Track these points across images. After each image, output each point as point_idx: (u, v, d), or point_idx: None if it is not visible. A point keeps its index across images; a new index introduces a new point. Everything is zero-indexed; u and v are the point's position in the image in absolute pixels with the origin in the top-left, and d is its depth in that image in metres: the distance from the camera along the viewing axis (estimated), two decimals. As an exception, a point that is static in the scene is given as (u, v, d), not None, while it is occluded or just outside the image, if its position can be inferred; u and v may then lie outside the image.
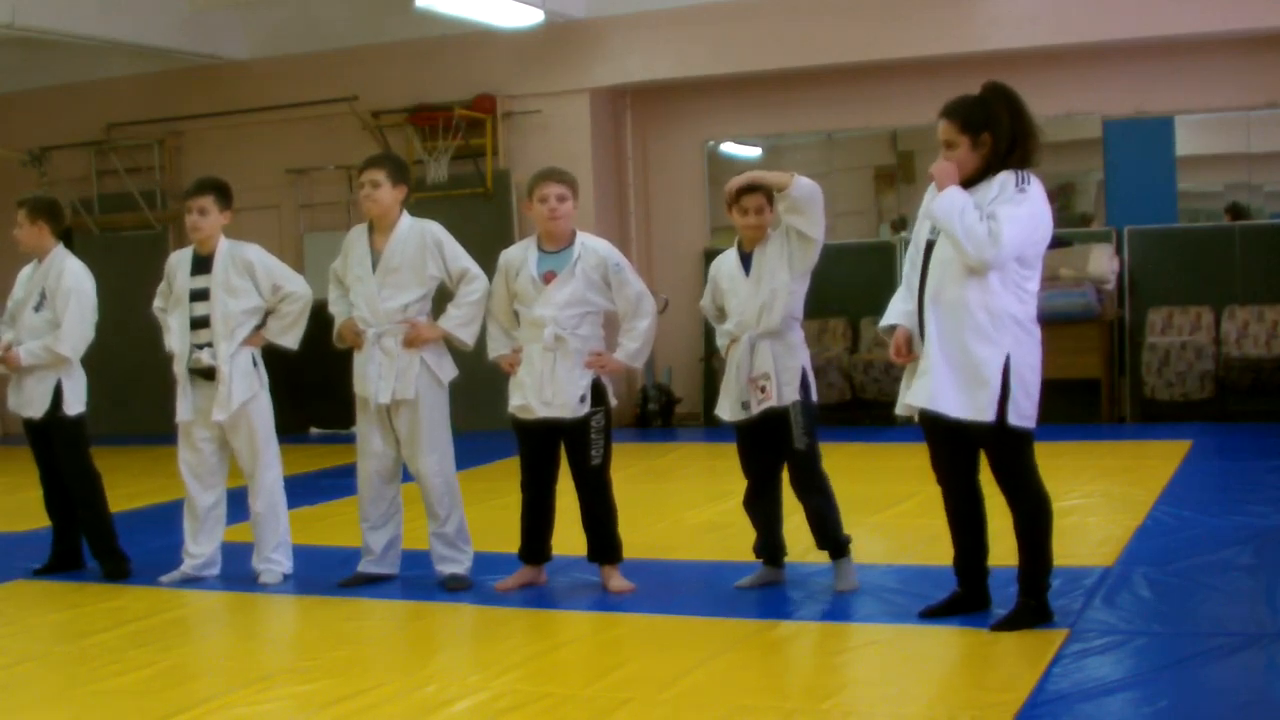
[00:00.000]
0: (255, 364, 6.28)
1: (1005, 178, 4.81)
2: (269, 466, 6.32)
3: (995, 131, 4.82)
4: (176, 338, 6.35)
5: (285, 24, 13.12)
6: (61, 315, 6.49)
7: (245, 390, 6.22)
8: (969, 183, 4.87)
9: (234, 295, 6.22)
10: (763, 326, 5.59)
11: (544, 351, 5.75)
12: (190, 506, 6.41)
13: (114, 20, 11.78)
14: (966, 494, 5.07)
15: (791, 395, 5.55)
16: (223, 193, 6.34)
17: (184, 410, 6.35)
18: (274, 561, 6.30)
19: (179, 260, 6.42)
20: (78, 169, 13.97)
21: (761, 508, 5.77)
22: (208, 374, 6.24)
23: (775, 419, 5.59)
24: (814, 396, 5.64)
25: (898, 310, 5.11)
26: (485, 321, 6.06)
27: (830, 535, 5.68)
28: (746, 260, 5.67)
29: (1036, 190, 4.82)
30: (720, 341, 5.81)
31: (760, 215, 5.61)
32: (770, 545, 5.80)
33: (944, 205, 4.78)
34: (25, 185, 13.23)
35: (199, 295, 6.27)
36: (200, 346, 6.25)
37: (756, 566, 5.85)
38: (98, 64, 13.51)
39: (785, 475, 5.74)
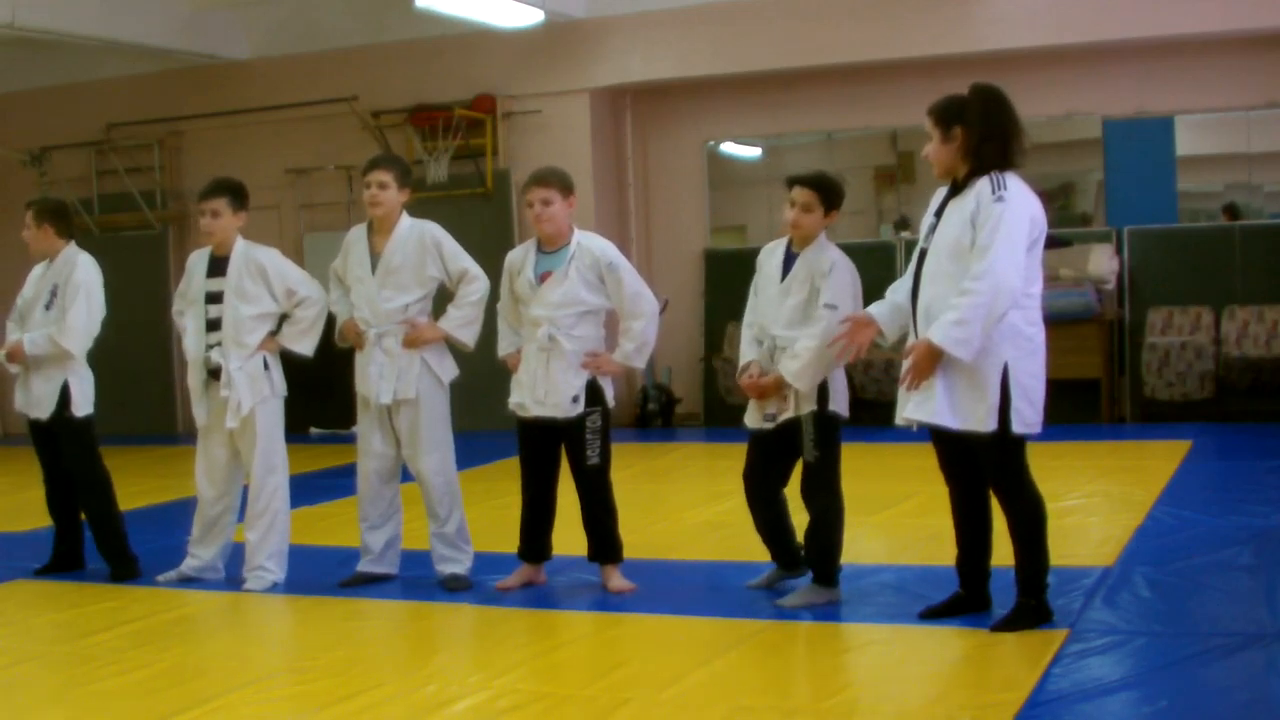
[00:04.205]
0: (267, 368, 6.22)
1: (981, 186, 4.78)
2: (271, 472, 6.25)
3: (966, 127, 4.82)
4: (192, 339, 6.30)
5: (285, 24, 13.12)
6: (68, 308, 6.44)
7: (253, 395, 6.17)
8: (959, 183, 4.88)
9: (245, 300, 6.18)
10: (781, 337, 5.47)
11: (539, 351, 5.76)
12: (199, 508, 6.40)
13: (114, 20, 11.78)
14: (973, 496, 5.07)
15: (807, 406, 5.43)
16: (236, 194, 6.29)
17: (200, 414, 6.33)
18: (265, 569, 6.23)
19: (197, 260, 6.37)
20: (78, 169, 13.97)
21: (759, 513, 5.65)
22: (218, 373, 6.22)
23: (790, 428, 5.49)
24: (836, 407, 5.43)
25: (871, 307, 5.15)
26: (495, 320, 6.05)
27: (819, 557, 5.46)
28: (790, 261, 5.52)
29: (1014, 192, 4.76)
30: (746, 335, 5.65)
31: (806, 214, 5.45)
32: (778, 551, 5.70)
33: (959, 345, 4.68)
34: (25, 185, 13.27)
35: (214, 298, 6.24)
36: (212, 347, 6.23)
37: (757, 566, 5.84)
38: (98, 64, 13.52)
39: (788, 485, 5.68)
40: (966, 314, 4.66)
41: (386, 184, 6.03)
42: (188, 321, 6.33)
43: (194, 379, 6.33)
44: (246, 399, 6.16)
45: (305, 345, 6.28)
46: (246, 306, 6.18)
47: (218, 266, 6.26)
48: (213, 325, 6.23)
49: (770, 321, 5.52)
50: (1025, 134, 4.89)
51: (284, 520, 6.32)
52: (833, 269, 5.42)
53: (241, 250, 6.24)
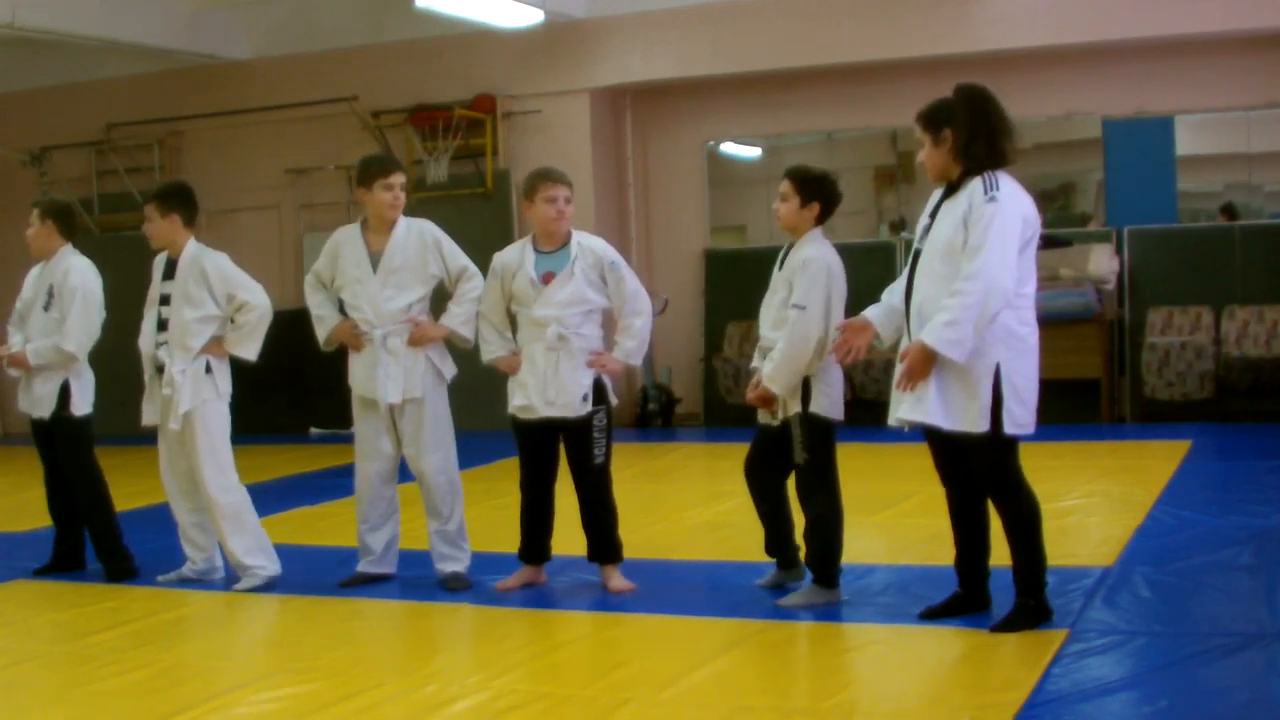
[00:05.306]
0: (209, 371, 6.19)
1: (974, 186, 4.77)
2: (222, 471, 6.22)
3: (954, 128, 4.82)
4: (144, 338, 6.35)
5: (285, 24, 13.13)
6: (67, 312, 6.47)
7: (192, 398, 6.15)
8: (953, 184, 4.88)
9: (190, 304, 6.17)
10: (766, 339, 5.48)
11: (547, 351, 5.75)
12: (176, 520, 6.40)
13: (114, 20, 11.78)
14: (969, 496, 5.06)
15: (794, 407, 5.41)
16: (164, 199, 6.29)
17: (148, 413, 6.34)
18: (255, 568, 6.23)
19: (158, 262, 6.41)
20: (78, 169, 13.98)
21: (758, 503, 5.65)
22: (163, 370, 6.23)
23: (786, 429, 5.48)
24: (820, 409, 5.39)
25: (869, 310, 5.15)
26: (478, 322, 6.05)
27: (818, 559, 5.42)
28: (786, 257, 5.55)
29: (1006, 192, 4.76)
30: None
31: (781, 203, 5.47)
32: (775, 548, 5.70)
33: (951, 346, 4.66)
34: (25, 185, 13.28)
35: (166, 299, 6.27)
36: (161, 345, 6.23)
37: (757, 566, 5.83)
38: (98, 64, 13.52)
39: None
40: (958, 315, 4.66)
41: (405, 185, 6.07)
42: (144, 321, 6.36)
43: (146, 374, 6.34)
44: (185, 400, 6.14)
45: (248, 351, 6.25)
46: (190, 310, 6.17)
47: (171, 269, 6.29)
48: (163, 326, 6.25)
49: (762, 321, 5.55)
50: (1016, 131, 4.89)
51: (250, 515, 6.29)
52: (804, 266, 5.38)
53: (191, 254, 6.24)
